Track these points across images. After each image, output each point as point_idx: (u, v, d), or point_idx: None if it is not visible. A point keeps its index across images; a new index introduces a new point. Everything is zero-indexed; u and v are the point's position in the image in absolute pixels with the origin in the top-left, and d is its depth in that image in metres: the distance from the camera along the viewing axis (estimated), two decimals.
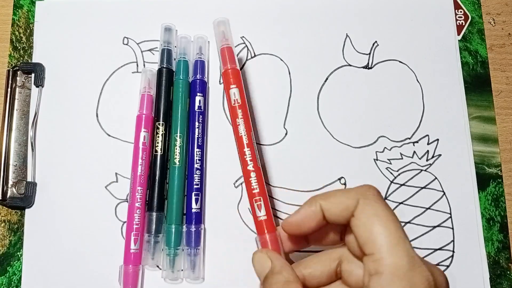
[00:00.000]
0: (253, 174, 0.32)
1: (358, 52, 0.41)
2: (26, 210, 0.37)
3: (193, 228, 0.35)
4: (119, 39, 0.40)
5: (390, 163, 0.38)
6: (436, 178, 0.38)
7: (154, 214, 0.35)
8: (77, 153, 0.38)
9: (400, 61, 0.41)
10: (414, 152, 0.39)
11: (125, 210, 0.37)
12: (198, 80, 0.38)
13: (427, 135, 0.39)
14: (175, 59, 0.39)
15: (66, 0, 0.41)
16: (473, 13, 0.42)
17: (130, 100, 0.39)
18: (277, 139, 0.39)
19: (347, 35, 0.41)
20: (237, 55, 0.40)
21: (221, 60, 0.35)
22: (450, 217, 0.37)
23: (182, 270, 0.35)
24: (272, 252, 0.29)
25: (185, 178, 0.36)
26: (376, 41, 0.41)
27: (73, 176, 0.38)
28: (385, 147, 0.39)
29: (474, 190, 0.38)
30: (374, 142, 0.39)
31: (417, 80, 0.40)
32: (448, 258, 0.37)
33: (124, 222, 0.37)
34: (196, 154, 0.36)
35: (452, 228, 0.37)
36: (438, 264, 0.36)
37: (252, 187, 0.32)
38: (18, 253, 0.36)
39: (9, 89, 0.39)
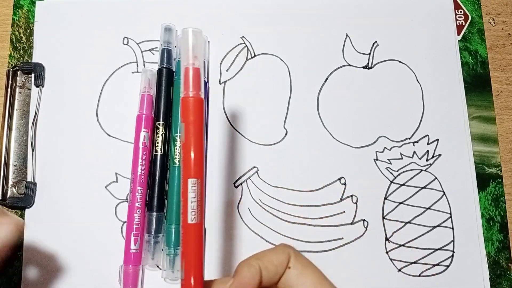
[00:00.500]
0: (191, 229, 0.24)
1: (358, 52, 0.41)
2: (26, 210, 0.37)
3: None
4: (119, 39, 0.40)
5: (390, 163, 0.39)
6: (436, 178, 0.38)
7: (154, 214, 0.35)
8: (77, 153, 0.38)
9: (400, 61, 0.41)
10: (414, 152, 0.39)
11: (125, 210, 0.37)
12: None
13: (427, 135, 0.39)
14: (175, 59, 0.39)
15: (66, 0, 0.41)
16: (473, 13, 0.42)
17: (130, 100, 0.39)
18: (277, 139, 0.39)
19: (347, 35, 0.41)
20: (237, 55, 0.40)
21: (183, 82, 0.25)
22: (450, 217, 0.37)
23: (182, 270, 0.35)
24: None
25: None
26: (376, 41, 0.41)
27: (73, 176, 0.38)
28: (385, 147, 0.39)
29: (474, 190, 0.38)
30: (374, 142, 0.39)
31: (417, 80, 0.40)
32: (448, 258, 0.37)
33: (124, 222, 0.37)
34: None
35: (452, 228, 0.37)
36: (438, 264, 0.37)
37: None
38: (18, 253, 0.36)
39: (9, 89, 0.39)
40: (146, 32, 0.40)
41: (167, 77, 0.38)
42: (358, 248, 0.37)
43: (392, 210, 0.38)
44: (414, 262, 0.37)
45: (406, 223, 0.37)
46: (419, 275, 0.36)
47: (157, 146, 0.36)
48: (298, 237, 0.37)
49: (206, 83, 0.38)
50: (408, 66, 0.41)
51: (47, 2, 0.41)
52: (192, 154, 0.24)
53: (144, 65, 0.40)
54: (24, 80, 0.40)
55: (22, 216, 0.37)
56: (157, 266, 0.36)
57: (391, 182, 0.38)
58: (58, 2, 0.41)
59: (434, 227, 0.37)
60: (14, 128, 0.39)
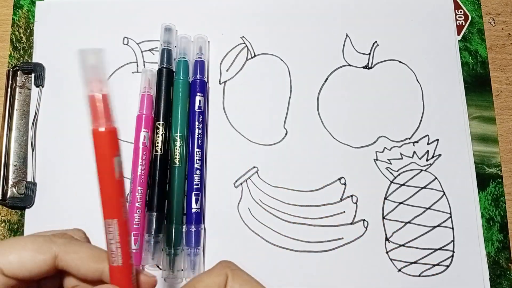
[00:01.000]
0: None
1: (358, 52, 0.41)
2: (26, 210, 0.37)
3: (193, 228, 0.35)
4: (119, 39, 0.40)
5: (390, 163, 0.38)
6: (436, 178, 0.38)
7: (154, 214, 0.35)
8: (77, 153, 0.38)
9: (400, 61, 0.41)
10: (414, 152, 0.39)
11: None
12: (198, 80, 0.38)
13: (427, 135, 0.39)
14: (175, 59, 0.39)
15: (66, 0, 0.41)
16: (473, 13, 0.42)
17: (130, 100, 0.39)
18: (277, 139, 0.39)
19: (347, 35, 0.41)
20: (237, 55, 0.40)
21: (91, 112, 0.23)
22: (450, 217, 0.37)
23: (182, 270, 0.35)
24: None
25: (185, 178, 0.36)
26: (376, 41, 0.41)
27: (73, 176, 0.38)
28: (385, 147, 0.39)
29: (474, 190, 0.38)
30: (374, 142, 0.39)
31: (417, 80, 0.40)
32: (448, 258, 0.37)
33: None
34: (196, 154, 0.36)
35: (452, 228, 0.37)
36: (438, 264, 0.37)
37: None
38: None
39: (9, 89, 0.39)
40: (146, 32, 0.40)
41: (167, 77, 0.38)
42: (358, 248, 0.37)
43: (392, 210, 0.38)
44: (414, 262, 0.37)
45: (406, 223, 0.37)
46: (419, 275, 0.36)
47: (157, 146, 0.36)
48: (298, 237, 0.37)
49: (206, 83, 0.38)
50: (408, 66, 0.41)
51: (47, 2, 0.41)
52: (109, 193, 0.21)
53: (144, 65, 0.40)
54: (24, 80, 0.40)
55: (22, 216, 0.37)
56: (157, 266, 0.36)
57: (391, 182, 0.38)
58: (58, 2, 0.41)
59: (434, 227, 0.37)
60: (14, 128, 0.39)
